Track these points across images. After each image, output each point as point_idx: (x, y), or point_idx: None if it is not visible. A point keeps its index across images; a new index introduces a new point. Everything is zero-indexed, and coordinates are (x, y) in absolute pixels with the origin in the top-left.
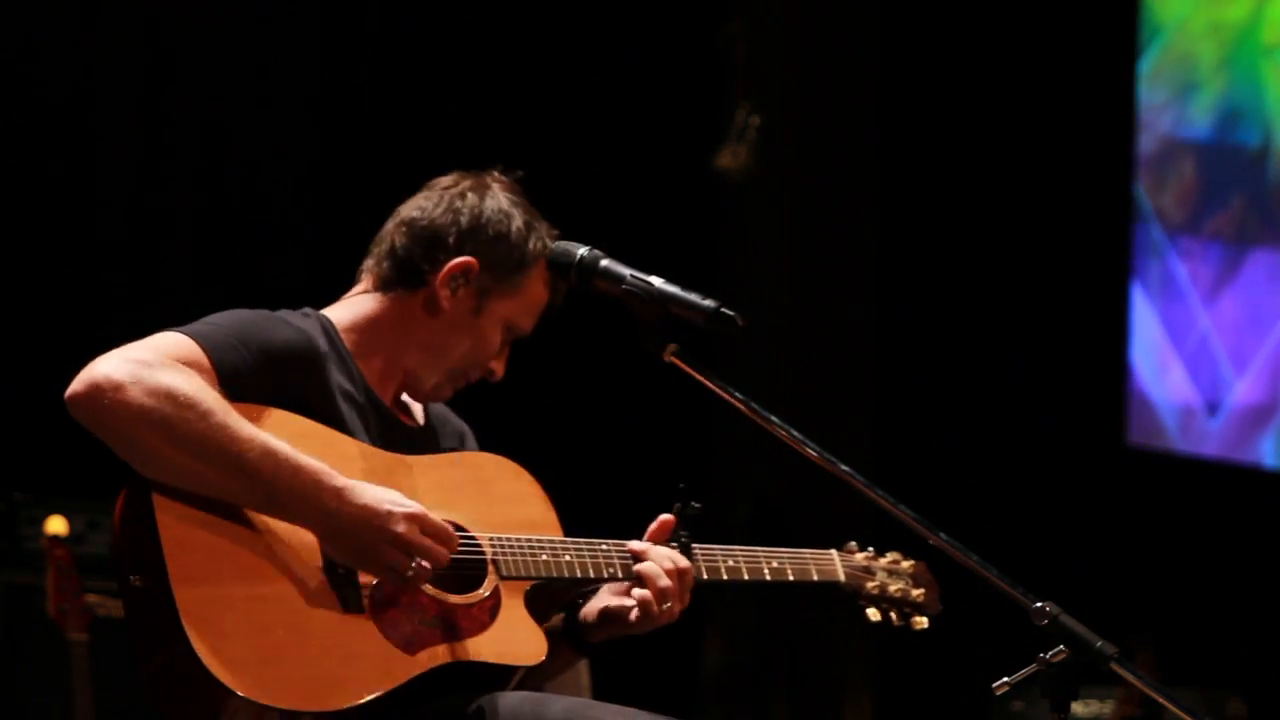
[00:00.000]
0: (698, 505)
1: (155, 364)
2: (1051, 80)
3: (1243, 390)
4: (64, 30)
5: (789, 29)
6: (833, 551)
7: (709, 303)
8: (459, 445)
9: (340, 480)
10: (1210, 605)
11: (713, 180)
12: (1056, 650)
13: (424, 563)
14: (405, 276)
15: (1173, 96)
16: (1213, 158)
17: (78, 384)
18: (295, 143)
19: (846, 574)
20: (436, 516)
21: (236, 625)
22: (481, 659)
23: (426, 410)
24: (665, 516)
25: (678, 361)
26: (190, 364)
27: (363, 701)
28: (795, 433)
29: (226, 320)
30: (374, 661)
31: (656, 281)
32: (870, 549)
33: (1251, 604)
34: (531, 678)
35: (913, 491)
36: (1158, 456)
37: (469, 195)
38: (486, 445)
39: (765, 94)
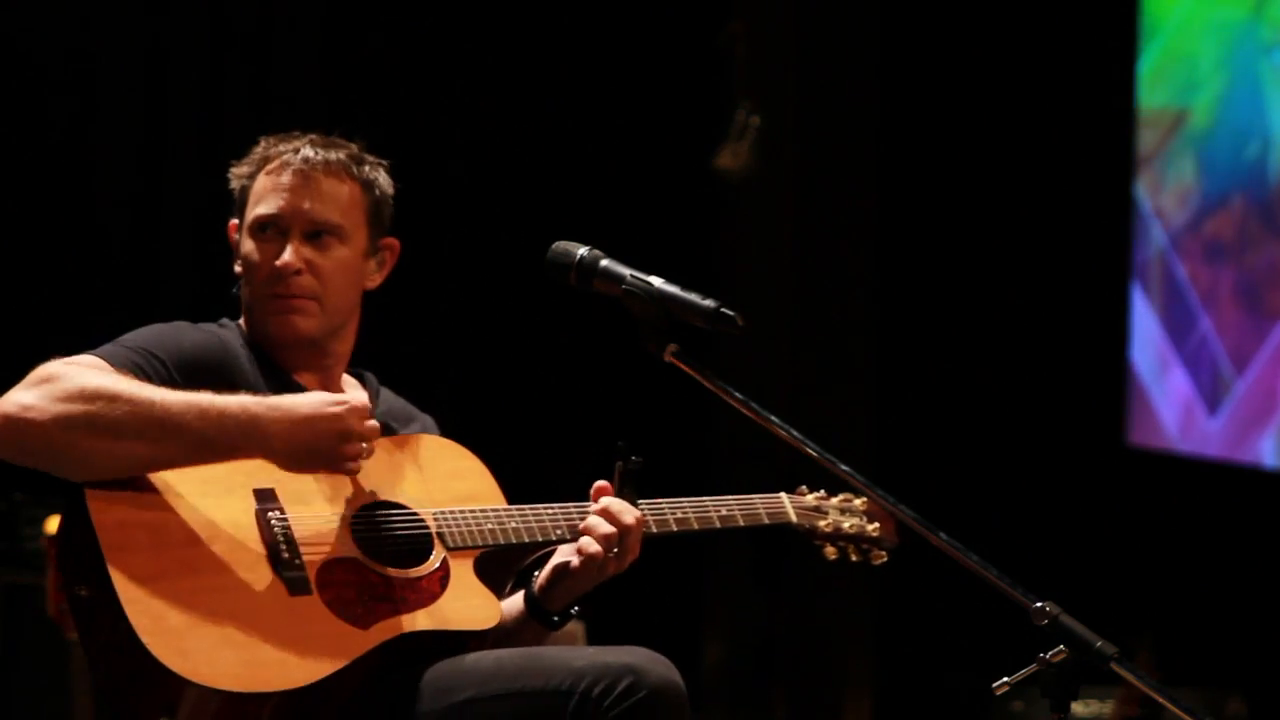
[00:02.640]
0: (638, 459)
1: (57, 375)
2: (1051, 80)
3: (1243, 390)
4: (65, 27)
5: (790, 29)
6: (782, 494)
7: (709, 303)
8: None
9: (270, 400)
10: (1210, 605)
11: (713, 180)
12: (1056, 650)
13: (363, 446)
14: None
15: (1172, 96)
16: (1212, 157)
17: None
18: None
19: (798, 514)
20: (371, 503)
21: (185, 618)
22: (434, 628)
23: (374, 403)
24: (601, 483)
25: (678, 362)
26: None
27: (321, 678)
28: (795, 433)
29: (135, 337)
30: (328, 640)
31: (656, 281)
32: (822, 490)
33: (1251, 604)
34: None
35: (913, 491)
36: (1158, 456)
37: None
38: (485, 445)
39: (766, 94)
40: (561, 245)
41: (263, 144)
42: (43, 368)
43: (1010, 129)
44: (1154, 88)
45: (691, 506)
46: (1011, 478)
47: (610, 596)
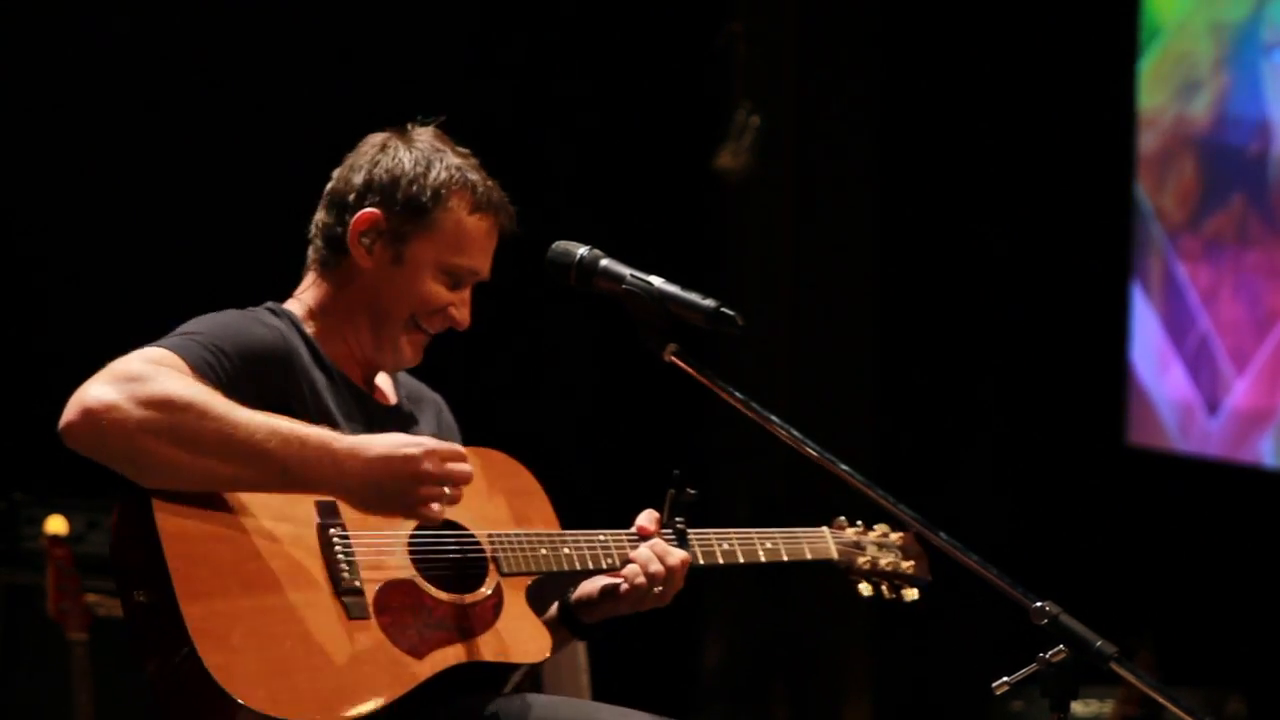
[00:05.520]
0: (693, 492)
1: (143, 376)
2: (1052, 80)
3: (1242, 390)
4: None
5: (790, 29)
6: (824, 529)
7: (709, 302)
8: (436, 420)
9: (347, 440)
10: (1210, 605)
11: (713, 180)
12: (1056, 650)
13: (443, 492)
14: (333, 249)
15: (1173, 96)
16: (1213, 157)
17: (71, 413)
18: (296, 146)
19: (839, 550)
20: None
21: (245, 638)
22: (487, 659)
23: (398, 387)
24: (651, 512)
25: (678, 361)
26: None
27: (373, 709)
28: (795, 432)
29: (202, 327)
30: (382, 668)
31: (656, 281)
32: (860, 523)
33: (1251, 603)
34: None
35: (913, 491)
36: (1158, 456)
37: (369, 150)
38: (484, 445)
39: (766, 94)
40: (561, 245)
41: (450, 166)
42: (124, 364)
43: (1010, 129)
44: (1154, 87)
45: (738, 539)
46: (1012, 477)
47: None
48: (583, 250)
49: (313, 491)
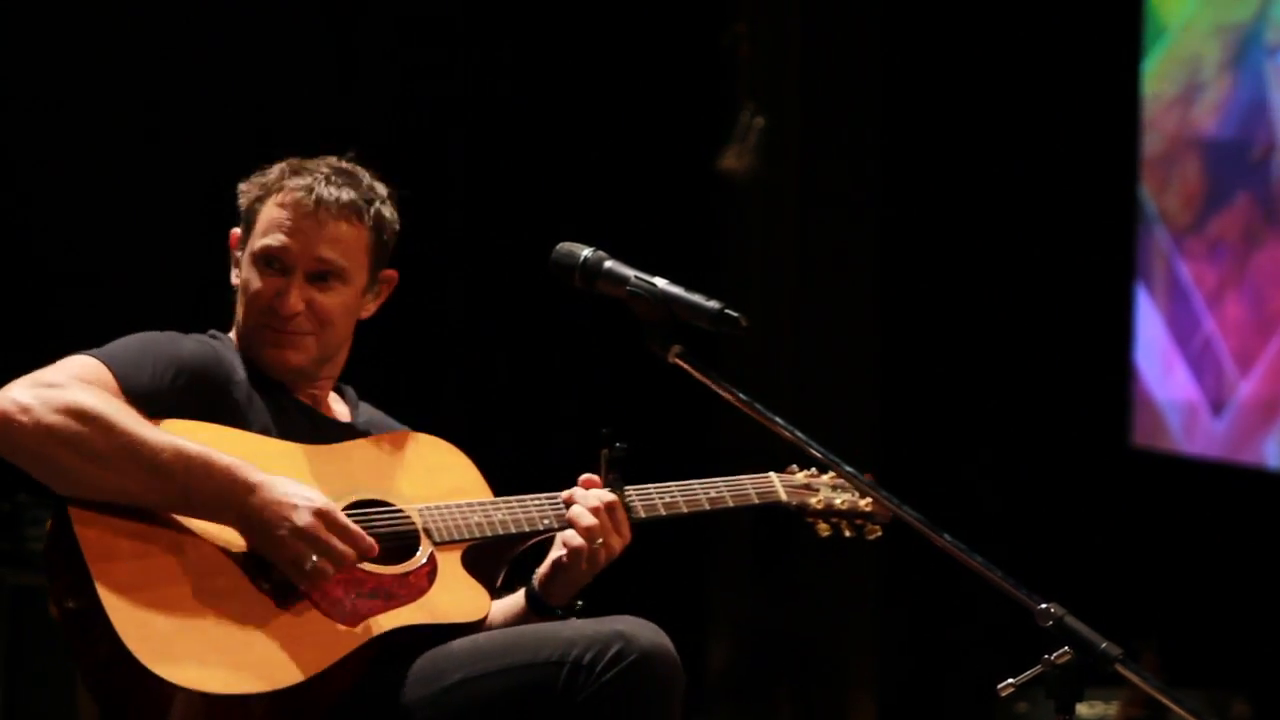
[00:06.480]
0: (623, 446)
1: (61, 384)
2: (1056, 81)
3: (1247, 391)
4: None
5: (794, 30)
6: (770, 473)
7: (713, 304)
8: None
9: (257, 475)
10: (1214, 606)
11: (717, 181)
12: (1061, 651)
13: (324, 560)
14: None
15: (1177, 97)
16: (1217, 158)
17: None
18: (291, 146)
19: (788, 493)
20: (355, 501)
21: (172, 624)
22: (423, 622)
23: (355, 412)
24: (587, 476)
25: (682, 363)
26: (98, 385)
27: (309, 677)
28: (800, 434)
29: (131, 341)
30: (316, 638)
31: (660, 283)
32: (812, 468)
33: (1256, 605)
34: None
35: (917, 492)
36: (1162, 457)
37: None
38: (488, 446)
39: (769, 95)
40: (566, 246)
41: (278, 169)
42: (46, 371)
43: (1014, 130)
44: (1158, 88)
45: (679, 490)
46: (1016, 479)
47: (612, 599)
48: (587, 252)
49: (212, 519)
